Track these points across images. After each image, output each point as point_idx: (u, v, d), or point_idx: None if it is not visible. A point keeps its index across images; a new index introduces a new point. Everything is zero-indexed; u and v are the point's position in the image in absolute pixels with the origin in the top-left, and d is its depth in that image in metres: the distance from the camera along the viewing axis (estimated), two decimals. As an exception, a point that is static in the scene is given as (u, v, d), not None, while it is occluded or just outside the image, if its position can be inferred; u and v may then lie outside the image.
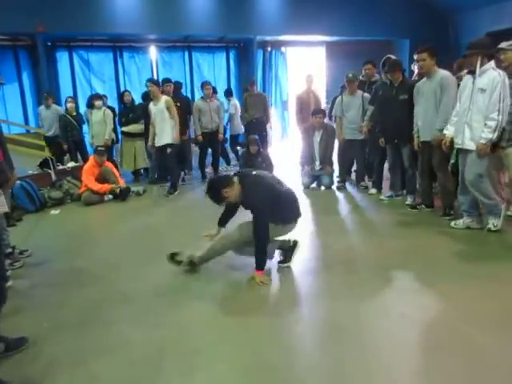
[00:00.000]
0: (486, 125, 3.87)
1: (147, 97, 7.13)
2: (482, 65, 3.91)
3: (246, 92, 8.34)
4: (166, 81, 7.12)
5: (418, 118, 4.80)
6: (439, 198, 4.97)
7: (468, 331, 2.54)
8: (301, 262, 3.68)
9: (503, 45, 4.24)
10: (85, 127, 8.03)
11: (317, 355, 2.40)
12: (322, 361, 2.34)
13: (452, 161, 4.36)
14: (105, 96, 8.34)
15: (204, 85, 7.45)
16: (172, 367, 2.32)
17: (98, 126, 7.42)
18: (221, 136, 7.48)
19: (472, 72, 4.01)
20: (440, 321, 2.68)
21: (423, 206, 5.07)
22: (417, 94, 4.83)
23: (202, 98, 7.43)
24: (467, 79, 4.09)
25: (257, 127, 7.67)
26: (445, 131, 4.34)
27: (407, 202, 5.28)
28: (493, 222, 4.15)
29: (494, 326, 2.59)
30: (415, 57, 4.76)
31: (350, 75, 6.08)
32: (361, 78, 6.45)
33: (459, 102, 4.16)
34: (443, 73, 4.58)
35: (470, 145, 4.01)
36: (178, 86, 7.81)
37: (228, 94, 9.05)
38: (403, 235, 4.32)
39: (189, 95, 10.83)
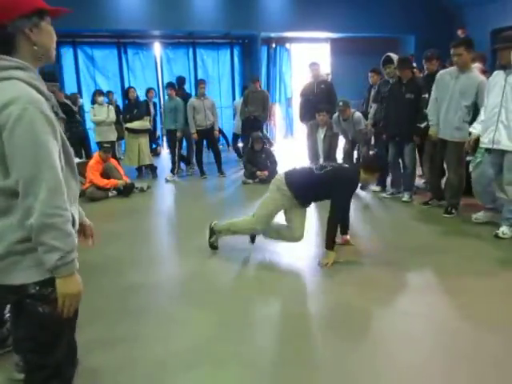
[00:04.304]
0: None
1: None
2: None
3: (248, 88, 8.35)
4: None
5: (439, 112, 4.51)
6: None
7: (474, 329, 2.54)
8: (304, 258, 3.69)
9: None
10: (89, 123, 8.03)
11: (320, 351, 2.40)
12: (324, 357, 2.34)
13: (478, 160, 4.02)
14: (111, 92, 8.30)
15: (199, 83, 7.41)
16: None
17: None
18: (216, 133, 7.56)
19: (504, 67, 3.73)
20: (445, 319, 2.67)
21: (435, 200, 5.03)
22: (440, 84, 4.49)
23: (196, 96, 7.40)
24: (497, 75, 3.81)
25: (253, 124, 7.67)
26: (471, 129, 4.12)
27: (404, 199, 5.33)
28: (503, 230, 3.94)
29: (500, 324, 2.58)
30: (451, 51, 4.28)
31: (341, 103, 5.89)
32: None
33: (487, 99, 3.90)
34: (480, 76, 4.25)
35: (508, 145, 3.74)
36: (181, 82, 7.93)
37: None
38: (406, 232, 4.31)
39: (193, 92, 10.82)
